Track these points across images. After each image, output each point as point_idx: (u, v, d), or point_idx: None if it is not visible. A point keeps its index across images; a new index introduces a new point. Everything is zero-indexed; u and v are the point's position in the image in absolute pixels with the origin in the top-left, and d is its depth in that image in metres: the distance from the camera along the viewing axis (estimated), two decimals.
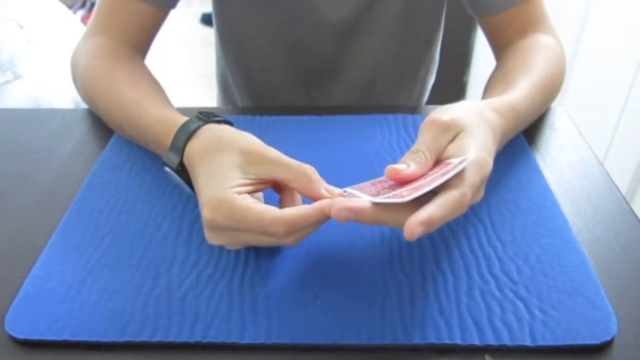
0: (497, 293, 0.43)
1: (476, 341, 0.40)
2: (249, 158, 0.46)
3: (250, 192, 0.45)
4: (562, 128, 0.65)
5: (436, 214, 0.38)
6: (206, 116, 0.52)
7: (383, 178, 0.46)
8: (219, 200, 0.42)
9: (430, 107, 0.71)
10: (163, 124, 0.54)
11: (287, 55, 0.79)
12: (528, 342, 0.40)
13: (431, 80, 0.91)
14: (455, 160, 0.42)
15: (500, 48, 0.71)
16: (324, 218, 0.42)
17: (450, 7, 0.82)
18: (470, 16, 0.75)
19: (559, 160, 0.59)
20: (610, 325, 0.40)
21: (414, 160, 0.43)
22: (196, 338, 0.41)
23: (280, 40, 0.78)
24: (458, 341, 0.40)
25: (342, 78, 0.81)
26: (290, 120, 0.67)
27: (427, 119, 0.46)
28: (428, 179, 0.42)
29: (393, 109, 0.68)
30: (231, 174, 0.44)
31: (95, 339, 0.41)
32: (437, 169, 0.43)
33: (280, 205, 0.47)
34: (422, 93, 0.90)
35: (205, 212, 0.43)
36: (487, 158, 0.44)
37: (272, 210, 0.42)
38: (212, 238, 0.45)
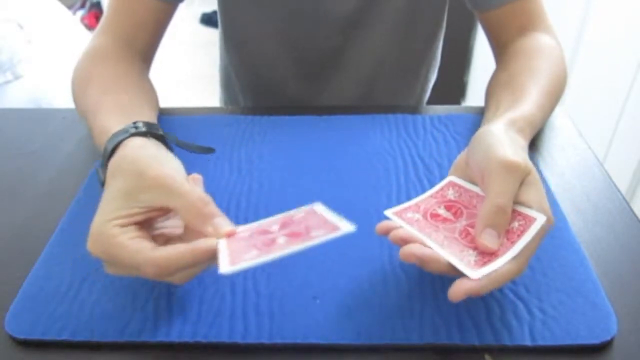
0: (496, 293, 0.43)
1: (475, 341, 0.40)
2: (143, 183, 0.42)
3: (141, 222, 0.41)
4: (562, 128, 0.65)
5: (485, 288, 0.38)
6: (136, 127, 0.49)
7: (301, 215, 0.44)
8: (98, 233, 0.40)
9: (430, 107, 0.71)
10: (102, 135, 0.50)
11: (291, 49, 0.79)
12: (528, 342, 0.40)
13: (433, 77, 0.91)
14: (530, 214, 0.40)
15: (500, 47, 0.71)
16: (204, 260, 0.38)
17: (450, 7, 0.82)
18: (471, 16, 0.75)
19: (559, 160, 0.59)
20: (610, 325, 0.40)
21: (503, 226, 0.40)
22: (197, 338, 0.41)
23: (285, 34, 0.78)
24: (457, 341, 0.40)
25: (346, 73, 0.81)
26: (290, 120, 0.67)
27: (502, 162, 0.41)
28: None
29: (393, 109, 0.68)
30: (119, 202, 0.41)
31: (95, 339, 0.41)
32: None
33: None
34: (423, 90, 0.90)
35: (87, 244, 0.41)
36: (552, 216, 0.41)
37: (144, 251, 0.39)
38: (106, 269, 0.42)
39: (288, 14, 0.76)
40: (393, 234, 0.42)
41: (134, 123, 0.49)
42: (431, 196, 0.46)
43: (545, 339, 0.40)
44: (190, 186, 0.42)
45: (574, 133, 0.64)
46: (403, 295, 0.43)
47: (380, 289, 0.44)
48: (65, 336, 0.41)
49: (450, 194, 0.46)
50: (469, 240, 0.41)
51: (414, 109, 0.70)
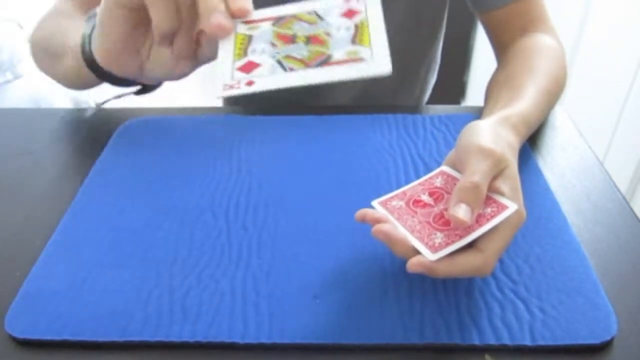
0: (497, 293, 0.43)
1: (476, 341, 0.40)
2: None
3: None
4: (562, 128, 0.65)
5: (443, 271, 0.39)
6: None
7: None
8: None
9: (430, 107, 0.71)
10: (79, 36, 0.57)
11: None
12: (528, 342, 0.40)
13: (432, 79, 0.91)
14: (503, 202, 0.41)
15: (501, 47, 0.71)
16: None
17: (450, 7, 0.82)
18: (470, 16, 0.75)
19: (559, 160, 0.59)
20: (610, 325, 0.40)
21: (476, 203, 0.40)
22: (197, 338, 0.41)
23: None
24: (457, 341, 0.40)
25: None
26: (290, 120, 0.67)
27: (480, 147, 0.43)
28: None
29: (393, 109, 0.68)
30: None
31: (95, 339, 0.41)
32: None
33: None
34: (422, 92, 0.90)
35: None
36: (524, 212, 0.42)
37: None
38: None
39: None
40: (368, 217, 0.44)
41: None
42: (420, 184, 0.47)
43: (546, 339, 0.40)
44: None
45: (574, 133, 0.64)
46: (403, 295, 0.43)
47: (381, 289, 0.44)
48: (65, 336, 0.41)
49: (438, 182, 0.47)
50: (441, 223, 0.42)
51: (414, 109, 0.70)
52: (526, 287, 0.44)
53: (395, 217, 0.44)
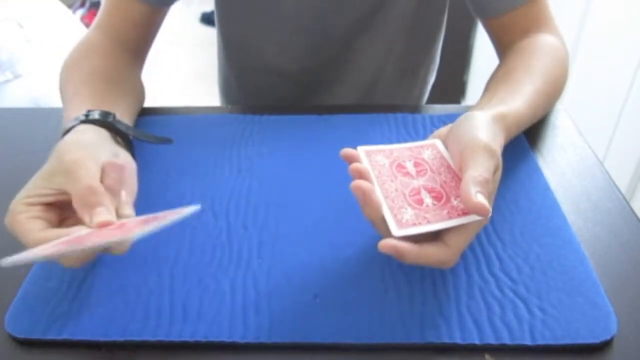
0: (496, 292, 0.43)
1: (476, 340, 0.40)
2: (58, 166, 0.45)
3: (51, 202, 0.44)
4: (562, 128, 0.65)
5: (410, 256, 0.39)
6: (87, 115, 0.52)
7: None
8: (10, 208, 0.43)
9: (430, 106, 0.71)
10: (67, 122, 0.54)
11: (294, 61, 0.80)
12: (528, 342, 0.40)
13: (431, 79, 0.91)
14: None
15: (503, 47, 0.70)
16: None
17: (450, 7, 0.82)
18: (471, 16, 0.75)
19: (559, 160, 0.59)
20: (610, 324, 0.41)
21: (490, 196, 0.41)
22: (197, 338, 0.41)
23: (288, 48, 0.78)
24: (458, 340, 0.40)
25: (346, 79, 0.81)
26: (291, 120, 0.67)
27: (487, 146, 0.43)
28: (445, 211, 0.42)
29: (393, 109, 0.68)
30: (36, 182, 0.44)
31: (95, 338, 0.41)
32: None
33: None
34: (422, 92, 0.90)
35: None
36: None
37: (32, 231, 0.41)
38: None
39: (291, 29, 0.76)
40: (352, 166, 0.43)
41: (88, 111, 0.52)
42: (409, 148, 0.47)
43: (546, 338, 0.40)
44: (88, 174, 0.43)
45: (574, 133, 0.64)
46: (404, 295, 0.43)
47: (381, 288, 0.44)
48: (65, 336, 0.41)
49: (426, 155, 0.47)
50: (415, 200, 0.43)
51: (414, 109, 0.70)
52: (526, 287, 0.44)
53: (375, 175, 0.44)
